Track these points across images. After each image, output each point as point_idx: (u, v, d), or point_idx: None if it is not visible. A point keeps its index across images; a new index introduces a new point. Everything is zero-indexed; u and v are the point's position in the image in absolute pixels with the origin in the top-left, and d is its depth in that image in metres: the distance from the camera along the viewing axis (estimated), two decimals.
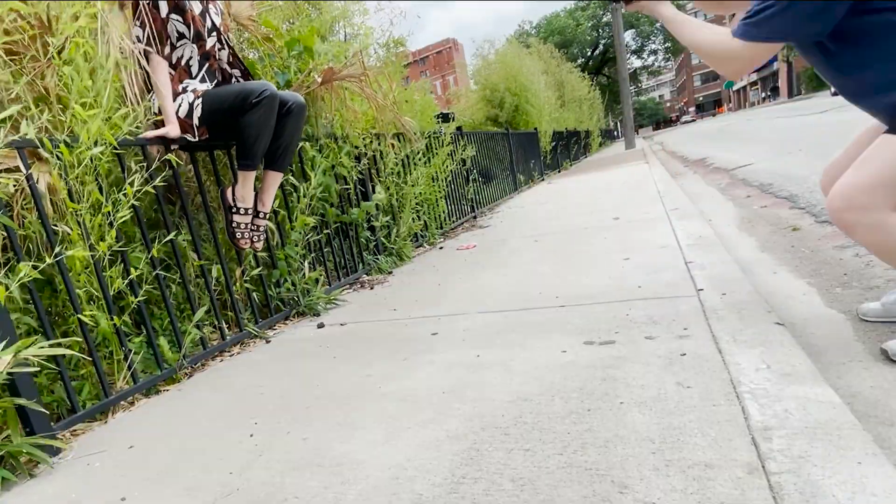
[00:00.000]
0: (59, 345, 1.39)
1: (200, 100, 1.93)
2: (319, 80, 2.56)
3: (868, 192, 1.13)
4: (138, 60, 1.85)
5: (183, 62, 1.97)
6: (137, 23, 1.86)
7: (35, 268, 1.38)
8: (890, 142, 1.14)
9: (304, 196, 2.51)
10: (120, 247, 1.67)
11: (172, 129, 1.87)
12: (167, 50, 1.92)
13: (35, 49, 1.61)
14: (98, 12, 1.73)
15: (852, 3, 1.12)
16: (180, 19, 1.94)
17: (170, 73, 1.93)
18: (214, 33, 2.04)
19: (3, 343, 1.26)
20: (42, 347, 1.30)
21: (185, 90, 1.94)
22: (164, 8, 1.88)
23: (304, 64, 2.63)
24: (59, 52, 1.60)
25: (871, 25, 1.13)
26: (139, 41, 1.85)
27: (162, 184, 1.85)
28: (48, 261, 1.44)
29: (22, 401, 1.27)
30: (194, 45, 1.98)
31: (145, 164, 1.76)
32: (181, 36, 1.95)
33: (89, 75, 1.67)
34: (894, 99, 1.15)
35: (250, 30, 2.54)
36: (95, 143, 1.59)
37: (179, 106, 1.93)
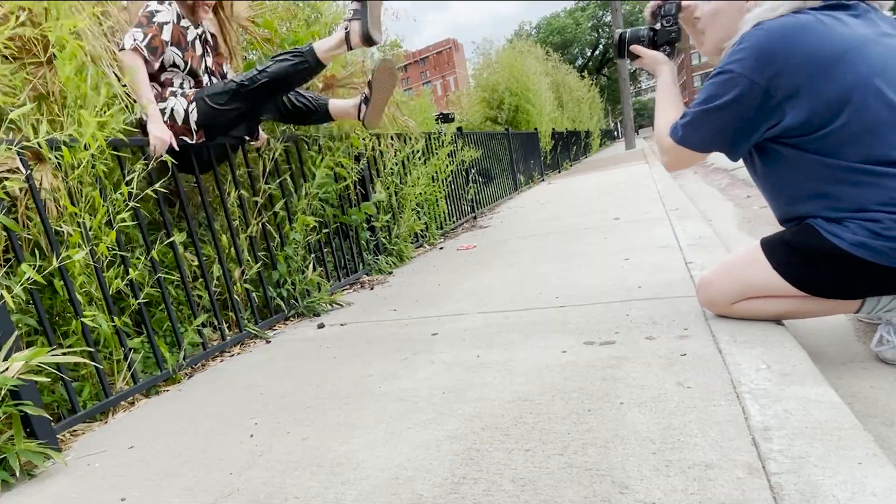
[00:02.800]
0: (70, 352, 1.39)
1: (194, 103, 1.93)
2: (321, 86, 2.57)
3: (727, 294, 1.35)
4: (114, 57, 1.77)
5: (167, 78, 1.97)
6: (138, 30, 1.81)
7: (39, 271, 1.38)
8: (757, 258, 1.28)
9: (305, 196, 2.51)
10: (119, 248, 1.67)
11: (164, 133, 1.82)
12: (156, 66, 1.90)
13: (35, 49, 1.61)
14: (97, 13, 1.73)
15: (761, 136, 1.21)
16: (179, 53, 1.95)
17: (153, 87, 1.91)
18: (205, 73, 2.06)
19: (7, 346, 1.26)
20: (54, 355, 1.30)
21: (173, 94, 1.94)
22: (165, 33, 1.87)
23: None
24: (60, 52, 1.60)
25: (777, 153, 1.22)
26: (134, 41, 1.79)
27: (163, 190, 1.84)
28: (55, 264, 1.44)
29: (27, 407, 1.27)
30: (187, 76, 2.00)
31: (145, 165, 1.76)
32: (174, 65, 1.96)
33: (86, 76, 1.67)
34: (788, 213, 1.28)
35: (249, 31, 2.55)
36: (92, 142, 1.58)
37: (173, 110, 1.91)
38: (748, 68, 1.15)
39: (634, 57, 1.51)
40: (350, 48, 1.95)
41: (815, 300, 1.25)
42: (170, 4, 1.91)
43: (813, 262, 1.19)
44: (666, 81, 1.44)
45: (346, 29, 1.93)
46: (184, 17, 1.97)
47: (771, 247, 1.27)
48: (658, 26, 1.46)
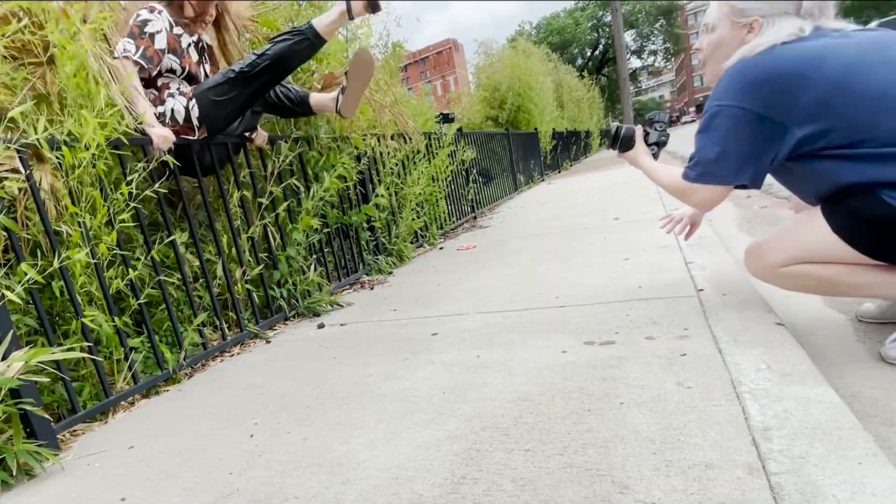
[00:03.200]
0: (69, 349, 1.39)
1: (194, 100, 1.92)
2: (320, 86, 2.57)
3: (781, 256, 1.31)
4: (110, 67, 1.75)
5: (164, 83, 1.97)
6: (129, 41, 1.80)
7: (39, 271, 1.38)
8: (817, 222, 1.25)
9: (312, 198, 2.51)
10: (120, 248, 1.67)
11: (165, 130, 1.82)
12: (153, 73, 1.90)
13: (35, 49, 1.61)
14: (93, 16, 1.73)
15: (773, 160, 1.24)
16: (175, 59, 1.94)
17: (150, 93, 1.92)
18: (204, 78, 2.07)
19: (6, 344, 1.26)
20: (53, 353, 1.30)
21: (171, 96, 1.93)
22: (159, 41, 1.86)
23: (307, 64, 2.64)
24: (61, 52, 1.60)
25: (800, 167, 1.24)
26: (126, 52, 1.77)
27: (164, 191, 1.84)
28: (55, 264, 1.44)
29: (27, 406, 1.27)
30: (183, 81, 2.00)
31: (146, 165, 1.76)
32: (171, 70, 1.96)
33: (86, 76, 1.67)
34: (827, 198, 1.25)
35: (251, 30, 2.55)
36: (92, 142, 1.58)
37: (173, 110, 1.91)
38: (735, 98, 1.21)
39: (626, 150, 1.68)
40: (352, 17, 1.92)
41: (872, 268, 1.22)
42: (160, 13, 1.89)
43: (877, 228, 1.16)
44: (649, 164, 1.62)
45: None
46: (177, 25, 1.96)
47: (831, 210, 1.23)
48: (651, 130, 1.69)
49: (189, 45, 2.00)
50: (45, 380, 1.32)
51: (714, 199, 1.38)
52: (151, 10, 1.87)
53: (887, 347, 1.23)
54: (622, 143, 1.67)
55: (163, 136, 1.79)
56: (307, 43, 1.93)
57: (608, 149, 1.82)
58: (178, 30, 1.96)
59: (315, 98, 2.23)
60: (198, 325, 1.93)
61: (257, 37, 2.58)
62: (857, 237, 1.19)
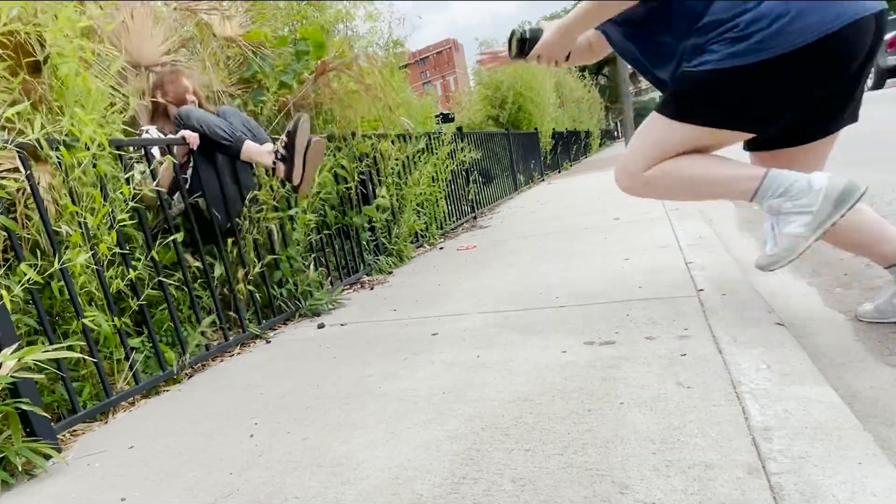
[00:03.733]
0: (64, 348, 1.38)
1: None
2: (312, 77, 2.57)
3: (638, 161, 1.37)
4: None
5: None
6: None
7: (39, 271, 1.38)
8: (655, 119, 1.36)
9: (306, 197, 2.50)
10: (120, 248, 1.67)
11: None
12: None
13: (31, 49, 1.61)
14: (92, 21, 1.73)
15: None
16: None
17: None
18: None
19: (13, 348, 1.26)
20: (46, 351, 1.30)
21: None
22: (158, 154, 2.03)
23: (309, 66, 2.64)
24: (58, 52, 1.60)
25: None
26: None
27: (164, 191, 1.84)
28: (56, 265, 1.44)
29: (24, 405, 1.27)
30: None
31: (146, 165, 1.76)
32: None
33: (85, 76, 1.67)
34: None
35: (241, 45, 2.56)
36: (90, 141, 1.58)
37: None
38: None
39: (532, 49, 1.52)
40: (272, 169, 2.15)
41: (722, 161, 1.30)
42: (147, 132, 2.11)
43: (700, 98, 1.25)
44: (571, 15, 1.45)
45: (276, 157, 2.09)
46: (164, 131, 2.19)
47: (662, 105, 1.35)
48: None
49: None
50: (43, 378, 1.32)
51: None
52: (143, 132, 2.11)
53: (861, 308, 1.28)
54: (531, 44, 1.50)
55: (191, 136, 1.98)
56: (228, 147, 2.11)
57: (516, 58, 1.54)
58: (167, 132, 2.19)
59: (248, 147, 2.16)
60: (203, 328, 1.93)
61: (248, 50, 2.57)
62: (689, 112, 1.28)
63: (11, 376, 1.23)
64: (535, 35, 1.49)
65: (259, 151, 2.13)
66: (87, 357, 1.52)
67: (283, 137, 2.10)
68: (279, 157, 2.11)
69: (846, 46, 1.13)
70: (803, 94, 1.19)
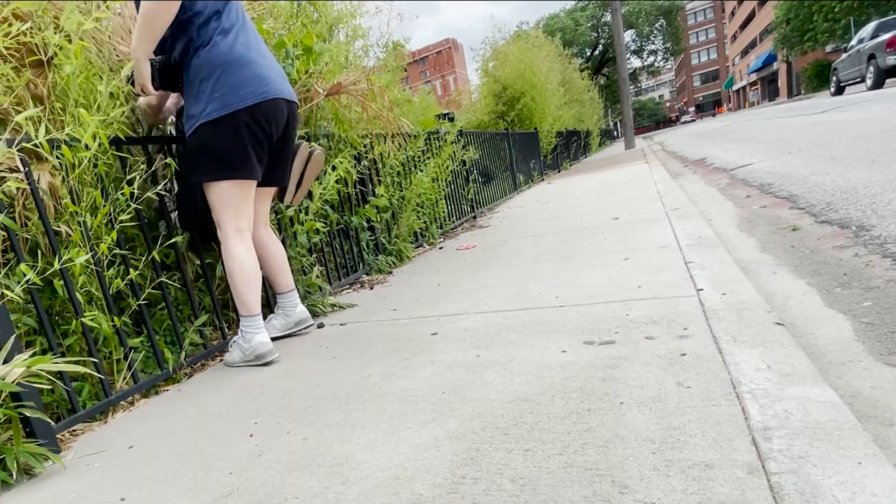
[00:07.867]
0: (71, 361, 1.38)
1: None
2: (324, 92, 2.57)
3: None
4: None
5: None
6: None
7: (39, 271, 1.38)
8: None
9: (315, 200, 2.50)
10: (120, 248, 1.67)
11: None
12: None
13: (35, 49, 1.61)
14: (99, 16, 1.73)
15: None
16: None
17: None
18: None
19: (8, 347, 1.26)
20: (56, 362, 1.29)
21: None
22: None
23: (305, 64, 2.64)
24: (59, 51, 1.60)
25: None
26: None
27: (164, 192, 1.84)
28: (56, 266, 1.44)
29: (27, 410, 1.27)
30: None
31: (146, 166, 1.76)
32: None
33: (88, 75, 1.67)
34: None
35: None
36: (92, 141, 1.58)
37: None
38: None
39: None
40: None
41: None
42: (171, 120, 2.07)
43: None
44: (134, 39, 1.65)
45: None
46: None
47: None
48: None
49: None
50: (46, 386, 1.32)
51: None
52: None
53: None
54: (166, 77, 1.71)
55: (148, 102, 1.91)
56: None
57: (158, 90, 1.74)
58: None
59: None
60: (198, 326, 1.93)
61: None
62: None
63: (18, 384, 1.22)
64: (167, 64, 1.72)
65: None
66: (87, 363, 1.52)
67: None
68: None
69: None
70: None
